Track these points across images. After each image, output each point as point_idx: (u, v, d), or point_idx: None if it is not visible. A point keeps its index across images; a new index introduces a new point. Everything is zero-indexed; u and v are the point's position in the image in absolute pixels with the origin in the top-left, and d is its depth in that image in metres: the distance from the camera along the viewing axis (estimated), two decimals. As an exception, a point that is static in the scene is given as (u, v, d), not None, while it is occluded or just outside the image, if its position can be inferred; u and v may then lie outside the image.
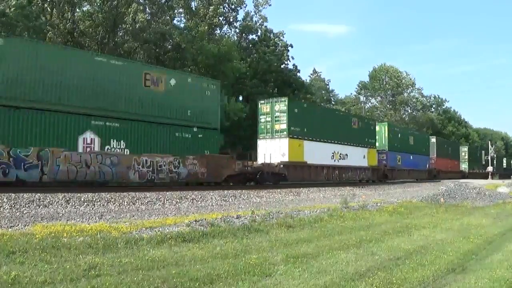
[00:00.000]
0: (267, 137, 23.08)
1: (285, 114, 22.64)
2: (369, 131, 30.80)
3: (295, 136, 22.86)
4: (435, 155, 45.32)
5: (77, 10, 33.05)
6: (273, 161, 22.08)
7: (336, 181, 26.47)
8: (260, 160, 22.67)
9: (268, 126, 23.10)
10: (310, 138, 23.97)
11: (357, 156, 28.60)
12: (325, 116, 26.74)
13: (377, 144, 32.44)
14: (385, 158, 33.33)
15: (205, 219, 9.97)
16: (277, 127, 22.80)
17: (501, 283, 6.63)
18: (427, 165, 42.33)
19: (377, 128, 33.21)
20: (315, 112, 25.72)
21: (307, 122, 23.80)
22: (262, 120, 23.50)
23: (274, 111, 23.01)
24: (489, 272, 7.29)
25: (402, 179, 36.25)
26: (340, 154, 26.79)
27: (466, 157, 57.88)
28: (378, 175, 32.21)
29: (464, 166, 57.72)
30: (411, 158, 37.55)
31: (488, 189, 30.50)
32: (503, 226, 13.66)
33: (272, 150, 22.35)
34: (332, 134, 26.07)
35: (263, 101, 24.16)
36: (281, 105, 22.89)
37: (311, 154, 23.74)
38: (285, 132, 22.52)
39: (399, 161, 35.43)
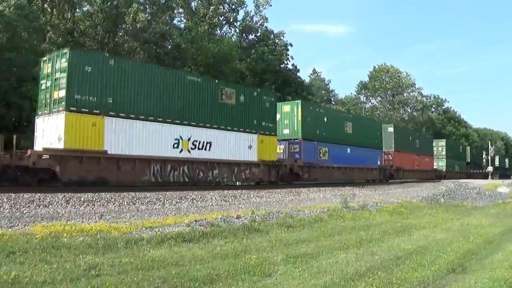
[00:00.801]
0: (45, 112, 15.08)
1: (65, 73, 14.35)
2: (264, 110, 21.60)
3: (83, 110, 14.43)
4: (393, 149, 35.20)
5: (77, 10, 33.05)
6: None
7: (181, 185, 17.80)
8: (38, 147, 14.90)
9: (48, 96, 15.06)
10: (122, 114, 15.49)
11: (237, 146, 19.87)
12: (161, 80, 17.13)
13: (286, 131, 24.50)
14: (298, 150, 24.13)
15: (205, 219, 9.97)
16: (55, 95, 14.68)
17: (501, 283, 6.63)
18: (378, 161, 32.84)
19: (285, 108, 24.84)
20: (134, 70, 16.27)
21: (114, 86, 15.43)
22: (42, 86, 15.49)
23: (54, 71, 14.88)
24: (489, 272, 7.29)
25: (332, 180, 27.16)
26: (194, 141, 17.97)
27: (444, 153, 50.07)
28: (273, 175, 21.97)
29: (440, 164, 49.57)
30: (349, 151, 28.13)
31: (488, 189, 30.53)
32: (503, 226, 13.66)
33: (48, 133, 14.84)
34: (180, 111, 17.72)
35: (44, 58, 16.01)
36: (62, 61, 14.63)
37: (126, 140, 15.58)
38: (63, 103, 14.28)
39: (323, 155, 25.96)
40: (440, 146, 50.85)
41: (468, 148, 65.03)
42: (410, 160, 38.23)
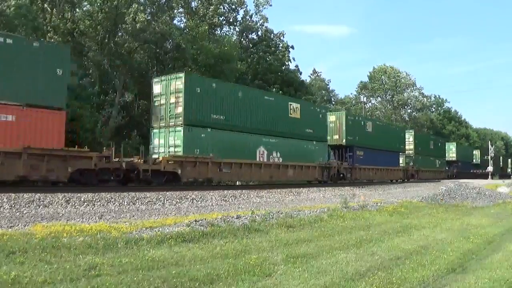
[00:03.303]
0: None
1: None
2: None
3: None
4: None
5: (77, 10, 33.02)
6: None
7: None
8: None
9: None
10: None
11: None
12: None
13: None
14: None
15: (205, 219, 9.97)
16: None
17: (501, 283, 6.63)
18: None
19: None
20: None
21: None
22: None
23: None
24: (489, 272, 7.29)
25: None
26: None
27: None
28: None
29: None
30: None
31: (488, 189, 30.52)
32: (503, 226, 13.66)
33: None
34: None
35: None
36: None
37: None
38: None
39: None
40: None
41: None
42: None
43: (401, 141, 37.81)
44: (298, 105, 24.77)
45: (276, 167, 22.60)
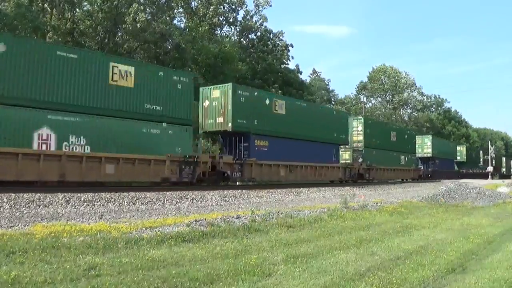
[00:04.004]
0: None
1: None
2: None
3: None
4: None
5: (77, 10, 33.04)
6: None
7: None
8: None
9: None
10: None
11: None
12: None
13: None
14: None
15: (205, 219, 9.97)
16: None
17: (501, 283, 6.63)
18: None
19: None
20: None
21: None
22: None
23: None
24: (489, 272, 7.29)
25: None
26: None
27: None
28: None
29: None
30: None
31: (488, 189, 30.51)
32: (503, 226, 13.66)
33: None
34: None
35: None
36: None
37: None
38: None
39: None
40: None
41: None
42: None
43: (342, 130, 28.11)
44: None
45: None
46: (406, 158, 37.40)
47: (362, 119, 32.26)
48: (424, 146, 45.83)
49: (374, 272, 6.89)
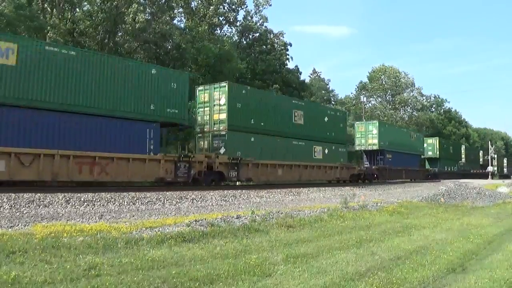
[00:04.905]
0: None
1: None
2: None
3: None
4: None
5: (77, 10, 33.04)
6: None
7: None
8: None
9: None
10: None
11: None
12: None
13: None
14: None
15: (205, 219, 9.96)
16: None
17: (501, 283, 6.63)
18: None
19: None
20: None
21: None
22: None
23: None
24: (489, 272, 7.29)
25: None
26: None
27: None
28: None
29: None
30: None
31: (488, 189, 30.52)
32: (503, 226, 13.66)
33: None
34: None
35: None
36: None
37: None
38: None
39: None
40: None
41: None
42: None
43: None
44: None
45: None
46: (327, 150, 26.16)
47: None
48: (369, 135, 34.34)
49: (374, 272, 6.89)
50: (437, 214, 15.87)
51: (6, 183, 13.11)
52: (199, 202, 14.39)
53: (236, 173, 20.00)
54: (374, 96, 78.06)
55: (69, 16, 32.12)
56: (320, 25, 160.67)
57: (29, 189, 12.66)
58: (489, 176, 59.30)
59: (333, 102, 76.44)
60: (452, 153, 52.82)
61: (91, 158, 14.48)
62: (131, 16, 31.09)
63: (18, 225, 8.50)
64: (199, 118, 20.79)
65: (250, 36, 48.67)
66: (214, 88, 20.54)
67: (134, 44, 34.05)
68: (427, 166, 46.43)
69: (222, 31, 45.85)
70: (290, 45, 49.81)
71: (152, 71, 16.89)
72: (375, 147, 34.12)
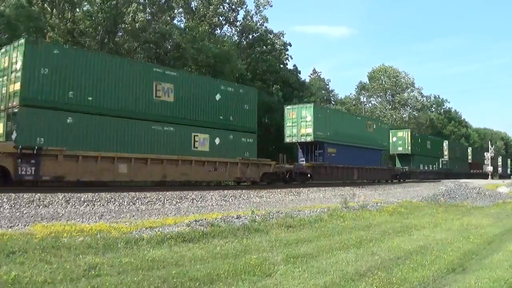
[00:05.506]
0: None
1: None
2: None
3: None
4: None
5: (77, 10, 33.04)
6: None
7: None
8: None
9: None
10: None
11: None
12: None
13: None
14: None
15: (205, 219, 9.97)
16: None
17: (501, 283, 6.62)
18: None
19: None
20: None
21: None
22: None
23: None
24: (489, 272, 7.28)
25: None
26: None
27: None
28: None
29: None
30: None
31: (488, 189, 30.52)
32: (503, 226, 13.65)
33: None
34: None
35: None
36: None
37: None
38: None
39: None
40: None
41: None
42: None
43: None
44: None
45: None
46: (219, 140, 19.97)
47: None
48: (302, 123, 26.33)
49: (374, 272, 6.89)
50: (437, 214, 15.86)
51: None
52: (199, 202, 14.40)
53: (33, 169, 13.75)
54: (374, 96, 78.10)
55: (69, 16, 32.13)
56: (320, 25, 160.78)
57: (29, 189, 12.66)
58: (489, 176, 59.32)
59: (333, 102, 76.46)
60: (430, 149, 44.37)
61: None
62: (130, 15, 31.11)
63: (18, 225, 8.51)
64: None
65: (250, 36, 48.64)
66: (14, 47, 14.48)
67: (134, 44, 34.06)
68: (398, 164, 38.42)
69: (222, 31, 45.89)
70: (290, 45, 49.84)
71: None
72: (308, 139, 25.65)
